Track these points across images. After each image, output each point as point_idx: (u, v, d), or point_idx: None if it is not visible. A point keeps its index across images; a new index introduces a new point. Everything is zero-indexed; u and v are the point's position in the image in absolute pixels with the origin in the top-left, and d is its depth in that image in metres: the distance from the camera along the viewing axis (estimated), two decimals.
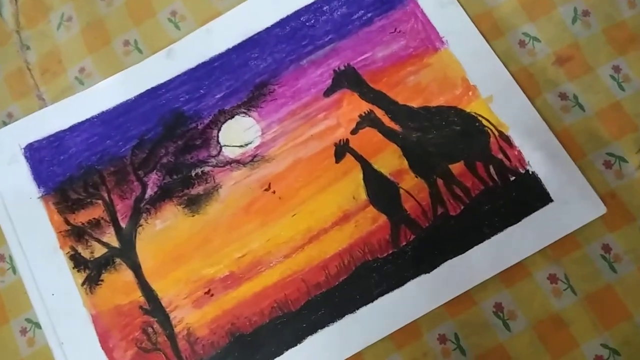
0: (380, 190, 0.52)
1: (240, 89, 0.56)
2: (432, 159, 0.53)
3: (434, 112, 0.54)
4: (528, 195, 0.51)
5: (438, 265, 0.50)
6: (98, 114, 0.58)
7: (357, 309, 0.50)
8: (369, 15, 0.57)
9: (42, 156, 0.57)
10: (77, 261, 0.54)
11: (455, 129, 0.53)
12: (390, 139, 0.53)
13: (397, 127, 0.53)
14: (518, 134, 0.52)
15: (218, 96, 0.56)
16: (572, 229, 0.50)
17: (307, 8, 0.58)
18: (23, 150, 0.58)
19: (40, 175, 0.57)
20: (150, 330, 0.52)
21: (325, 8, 0.58)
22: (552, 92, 0.54)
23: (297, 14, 0.58)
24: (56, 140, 0.57)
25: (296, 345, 0.50)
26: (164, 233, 0.54)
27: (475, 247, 0.50)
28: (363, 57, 0.56)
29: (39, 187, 0.56)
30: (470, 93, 0.54)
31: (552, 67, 0.55)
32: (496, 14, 0.57)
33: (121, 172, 0.56)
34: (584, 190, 0.51)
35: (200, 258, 0.53)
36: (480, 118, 0.53)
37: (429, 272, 0.50)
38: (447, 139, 0.53)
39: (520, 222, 0.50)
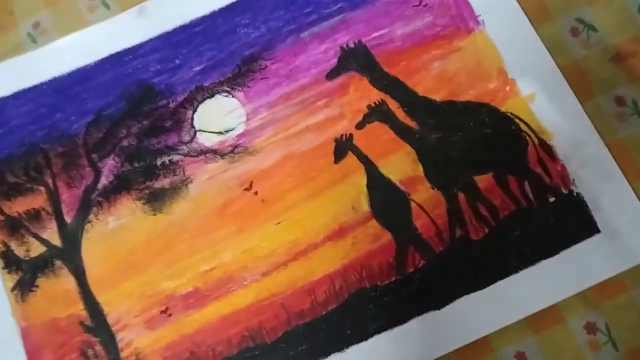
0: (387, 201, 0.45)
1: (224, 61, 0.48)
2: (454, 167, 0.45)
3: (461, 108, 0.46)
4: (570, 222, 0.43)
5: (451, 301, 0.42)
6: (49, 80, 0.49)
7: (347, 347, 0.42)
8: None
9: None
10: (9, 260, 0.45)
11: (485, 132, 0.45)
12: (403, 139, 0.46)
13: (413, 124, 0.46)
14: (563, 144, 0.44)
15: (197, 69, 0.48)
16: (621, 270, 0.42)
17: None
18: None
19: None
20: (90, 352, 0.43)
21: None
22: (607, 94, 0.46)
23: None
24: None
25: None
26: (117, 233, 0.45)
27: (500, 282, 0.42)
28: (378, 33, 0.48)
29: None
30: (507, 88, 0.46)
31: (609, 64, 0.47)
32: None
33: (71, 154, 0.47)
34: (639, 221, 0.42)
35: (159, 268, 0.45)
36: (517, 120, 0.45)
37: (439, 309, 0.42)
38: (474, 143, 0.45)
39: (557, 256, 0.42)
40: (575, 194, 0.43)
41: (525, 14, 0.47)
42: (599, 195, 0.43)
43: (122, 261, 0.44)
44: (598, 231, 0.42)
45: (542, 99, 0.45)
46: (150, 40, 0.48)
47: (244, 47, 0.48)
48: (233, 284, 0.43)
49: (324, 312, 0.42)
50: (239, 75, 0.47)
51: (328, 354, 0.42)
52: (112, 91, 0.47)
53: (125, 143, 0.46)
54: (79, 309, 0.44)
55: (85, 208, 0.45)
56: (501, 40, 0.46)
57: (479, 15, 0.47)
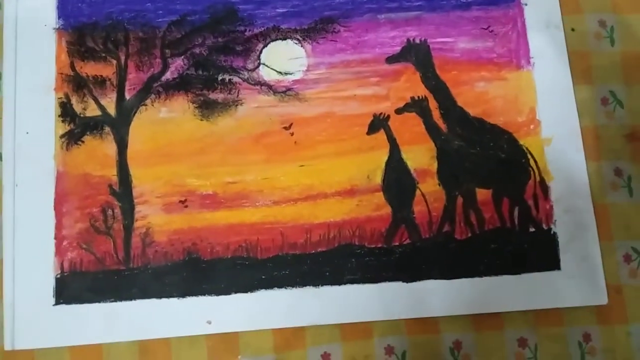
0: (398, 181, 0.50)
1: (305, 14, 0.52)
2: (464, 175, 0.50)
3: (488, 128, 0.51)
4: (539, 253, 0.49)
5: (418, 280, 0.48)
6: None
7: (322, 285, 0.48)
8: None
9: None
10: (66, 111, 0.50)
11: (499, 156, 0.50)
12: (431, 136, 0.51)
13: (443, 127, 0.51)
14: (558, 188, 0.50)
15: (279, 11, 0.52)
16: (564, 305, 0.48)
17: None
18: None
19: (65, 6, 0.52)
20: (109, 212, 0.48)
21: None
22: (610, 163, 0.51)
23: None
24: None
25: (246, 292, 0.47)
26: (165, 123, 0.50)
27: (463, 279, 0.48)
28: (443, 39, 0.52)
29: (58, 18, 0.51)
30: (532, 126, 0.51)
31: (621, 139, 0.52)
32: (594, 59, 0.53)
33: (148, 42, 0.51)
34: (595, 273, 0.48)
35: (190, 165, 0.50)
36: (529, 156, 0.50)
37: (406, 282, 0.48)
38: (487, 161, 0.50)
39: (517, 275, 0.48)
40: (552, 232, 0.48)
41: (571, 71, 0.51)
42: (571, 240, 0.48)
43: (161, 148, 0.49)
44: (559, 268, 0.48)
45: (556, 146, 0.50)
46: None
47: (326, 8, 0.52)
48: (247, 201, 0.49)
49: (313, 251, 0.48)
50: (314, 30, 0.51)
51: (304, 285, 0.47)
52: (201, 2, 0.51)
53: (197, 50, 0.51)
54: (112, 173, 0.49)
55: (145, 91, 0.50)
56: (542, 85, 0.50)
57: (532, 57, 0.51)
